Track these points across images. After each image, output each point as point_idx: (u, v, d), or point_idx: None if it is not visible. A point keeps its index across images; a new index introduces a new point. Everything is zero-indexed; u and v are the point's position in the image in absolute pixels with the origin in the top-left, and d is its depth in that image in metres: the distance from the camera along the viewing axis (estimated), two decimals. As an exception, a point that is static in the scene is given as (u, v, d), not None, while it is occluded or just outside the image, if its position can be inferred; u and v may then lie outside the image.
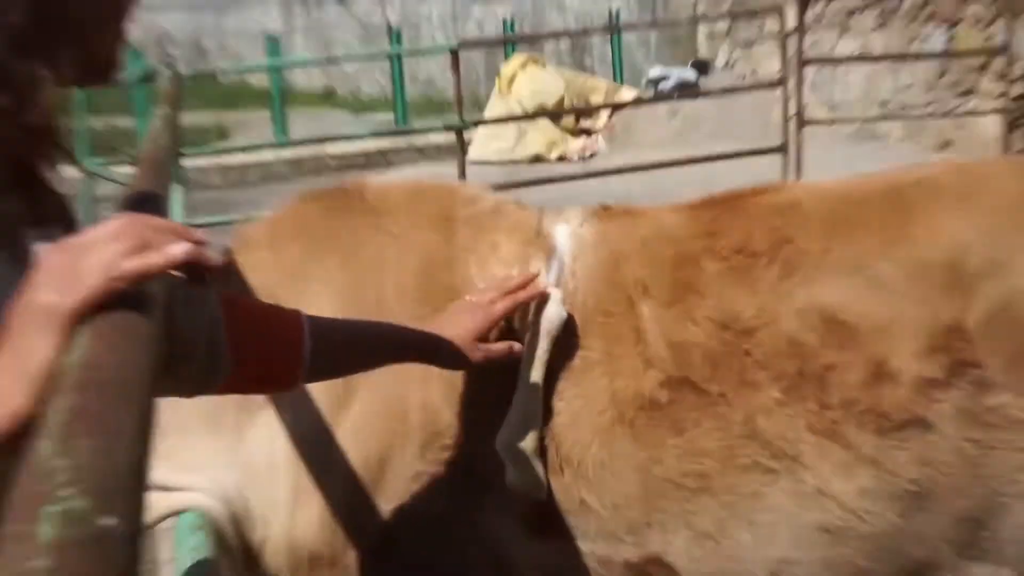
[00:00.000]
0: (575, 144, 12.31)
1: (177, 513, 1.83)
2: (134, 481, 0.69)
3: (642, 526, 1.81)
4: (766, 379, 1.75)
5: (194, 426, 1.87)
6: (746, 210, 1.90)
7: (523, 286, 1.84)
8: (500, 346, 1.79)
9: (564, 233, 1.96)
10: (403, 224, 1.96)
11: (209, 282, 1.23)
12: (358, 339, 1.62)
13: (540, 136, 12.15)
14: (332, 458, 1.85)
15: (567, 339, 1.85)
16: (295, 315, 1.53)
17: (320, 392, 1.84)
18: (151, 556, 2.26)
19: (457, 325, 1.73)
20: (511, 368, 1.84)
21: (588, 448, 1.81)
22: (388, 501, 1.84)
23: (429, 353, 1.70)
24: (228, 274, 1.96)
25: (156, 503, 1.84)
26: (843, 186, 1.91)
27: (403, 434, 1.83)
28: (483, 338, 1.76)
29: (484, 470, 1.85)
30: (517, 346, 1.80)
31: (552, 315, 1.83)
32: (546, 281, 1.89)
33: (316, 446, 1.86)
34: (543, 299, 1.85)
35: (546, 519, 1.84)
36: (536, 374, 1.81)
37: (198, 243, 1.11)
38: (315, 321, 1.54)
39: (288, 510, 1.86)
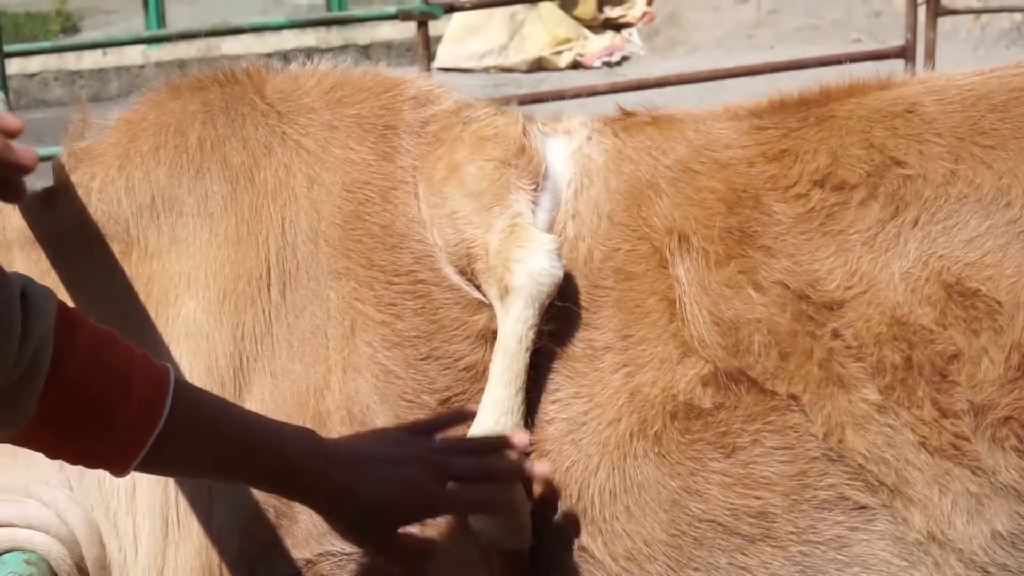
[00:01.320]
0: (597, 42, 12.32)
1: None
2: None
3: None
4: (859, 373, 1.76)
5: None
6: (835, 119, 1.90)
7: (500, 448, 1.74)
8: (423, 541, 1.73)
9: (561, 152, 1.97)
10: (320, 134, 1.97)
11: (19, 192, 1.23)
12: (232, 434, 1.60)
13: (543, 31, 12.14)
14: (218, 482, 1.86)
15: (563, 312, 1.85)
16: (160, 370, 1.53)
17: (200, 381, 1.86)
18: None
19: (379, 479, 1.65)
20: (479, 346, 1.85)
21: (593, 473, 1.82)
22: (299, 545, 1.85)
23: (321, 501, 1.64)
24: (53, 200, 1.97)
25: None
26: (983, 82, 1.91)
27: None
28: (412, 512, 1.68)
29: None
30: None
31: (540, 272, 1.83)
32: (532, 223, 1.88)
33: None
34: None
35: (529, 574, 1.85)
36: (515, 362, 1.81)
37: (5, 131, 1.09)
38: (184, 388, 1.56)
39: (155, 553, 1.88)
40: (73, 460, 1.53)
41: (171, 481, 1.87)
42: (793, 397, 1.78)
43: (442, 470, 1.68)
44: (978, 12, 9.19)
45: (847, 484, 1.77)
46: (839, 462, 1.77)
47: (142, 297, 1.92)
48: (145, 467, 1.51)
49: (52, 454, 1.51)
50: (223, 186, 1.95)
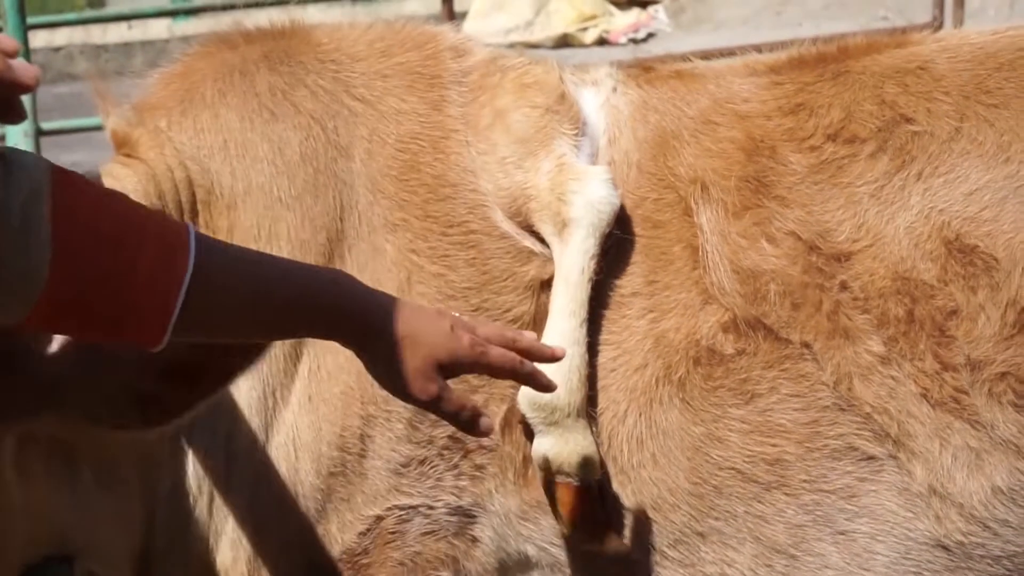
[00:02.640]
0: (623, 19, 12.28)
1: None
2: None
3: (693, 536, 1.87)
4: (865, 325, 1.82)
5: None
6: (850, 75, 1.95)
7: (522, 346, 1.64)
8: (466, 398, 1.65)
9: (593, 102, 2.03)
10: (375, 84, 2.00)
11: (19, 111, 1.27)
12: (264, 275, 1.54)
13: (569, 7, 12.11)
14: (294, 434, 1.89)
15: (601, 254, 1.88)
16: (176, 226, 1.49)
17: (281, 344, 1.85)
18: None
19: (414, 317, 1.59)
20: (527, 298, 1.88)
21: (621, 420, 1.87)
22: (368, 503, 1.90)
23: (363, 334, 1.58)
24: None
25: None
26: (994, 40, 1.96)
27: (385, 402, 1.87)
28: (446, 351, 1.59)
29: (492, 451, 1.89)
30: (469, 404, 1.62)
31: (599, 200, 1.86)
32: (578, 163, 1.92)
33: (277, 419, 1.91)
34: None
35: (601, 514, 1.87)
36: (578, 292, 1.84)
37: (3, 51, 1.14)
38: (206, 238, 1.50)
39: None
40: (102, 333, 1.45)
41: (262, 447, 1.90)
42: (806, 345, 1.83)
43: (472, 328, 1.63)
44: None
45: (856, 434, 1.82)
46: (848, 411, 1.82)
47: None
48: (181, 329, 1.44)
49: (79, 331, 1.46)
50: (297, 133, 1.95)
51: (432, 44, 2.06)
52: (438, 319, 1.60)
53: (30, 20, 5.87)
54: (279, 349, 1.88)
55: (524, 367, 1.63)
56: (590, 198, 1.85)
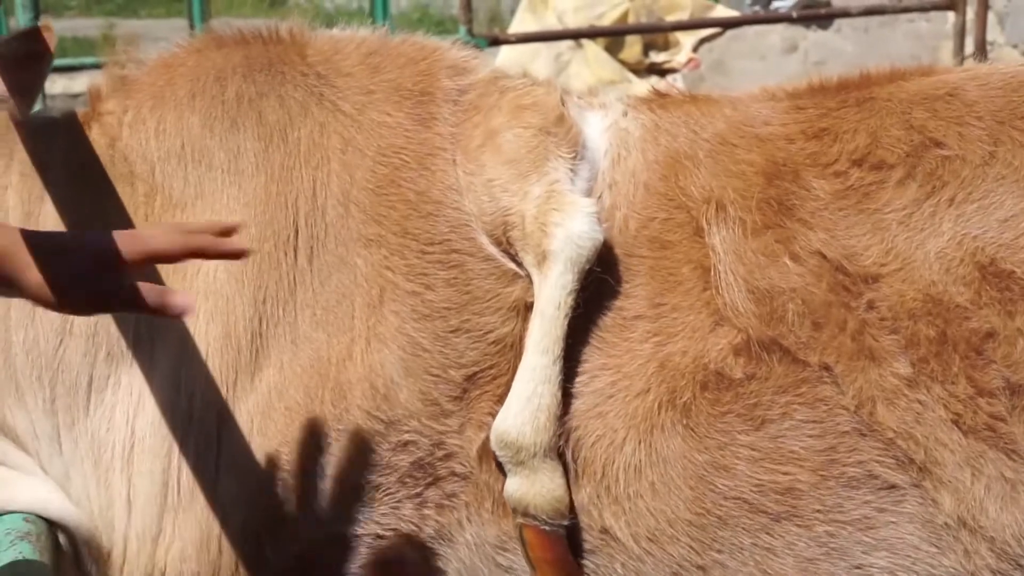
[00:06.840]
0: (641, 87, 12.35)
1: None
2: None
3: (692, 570, 1.80)
4: (892, 346, 1.76)
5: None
6: (875, 101, 1.91)
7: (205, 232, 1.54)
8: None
9: (598, 124, 1.98)
10: (356, 98, 1.97)
11: None
12: None
13: (588, 72, 12.19)
14: (227, 447, 1.85)
15: (596, 281, 1.84)
16: None
17: (216, 343, 1.85)
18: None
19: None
20: (511, 319, 1.84)
21: (619, 448, 1.81)
22: (313, 521, 1.84)
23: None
24: (66, 131, 1.93)
25: None
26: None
27: (337, 420, 1.83)
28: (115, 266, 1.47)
29: (467, 479, 1.84)
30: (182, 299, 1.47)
31: (580, 235, 1.81)
32: (566, 189, 1.87)
33: (202, 429, 1.86)
34: None
35: (570, 560, 1.81)
36: (553, 328, 1.80)
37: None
38: None
39: (151, 518, 1.86)
40: None
41: (175, 446, 1.85)
42: (825, 368, 1.77)
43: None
44: (1028, 67, 9.15)
45: (876, 461, 1.75)
46: (869, 437, 1.75)
47: None
48: None
49: None
50: (256, 143, 1.93)
51: (428, 60, 2.02)
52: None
53: (60, 61, 5.91)
54: (234, 349, 1.86)
55: (195, 240, 1.50)
56: (571, 232, 1.80)
